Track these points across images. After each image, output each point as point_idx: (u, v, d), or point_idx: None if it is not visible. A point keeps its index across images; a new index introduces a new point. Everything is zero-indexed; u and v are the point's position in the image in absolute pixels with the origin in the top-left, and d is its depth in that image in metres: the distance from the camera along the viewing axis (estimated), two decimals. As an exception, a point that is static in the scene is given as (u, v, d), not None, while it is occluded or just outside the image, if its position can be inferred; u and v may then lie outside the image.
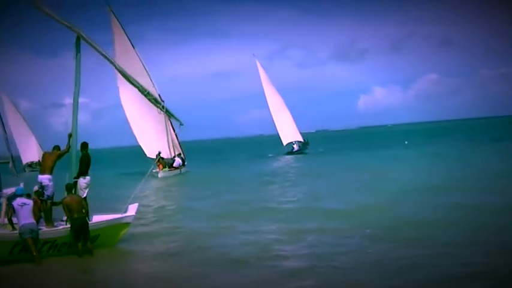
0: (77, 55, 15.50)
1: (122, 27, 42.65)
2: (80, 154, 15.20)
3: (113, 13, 42.30)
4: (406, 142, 76.87)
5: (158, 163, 42.31)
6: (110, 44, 42.19)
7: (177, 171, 43.07)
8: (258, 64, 66.70)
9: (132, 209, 15.50)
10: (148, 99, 18.07)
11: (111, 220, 15.17)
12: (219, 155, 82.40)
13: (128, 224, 15.31)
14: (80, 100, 15.65)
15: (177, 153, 45.21)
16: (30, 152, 73.44)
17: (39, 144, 75.15)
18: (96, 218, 15.10)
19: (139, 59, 43.20)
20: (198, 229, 17.25)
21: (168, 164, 43.48)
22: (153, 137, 44.43)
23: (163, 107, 17.03)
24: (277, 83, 70.28)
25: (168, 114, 17.16)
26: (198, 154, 76.26)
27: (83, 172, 15.09)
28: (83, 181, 15.04)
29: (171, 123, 44.99)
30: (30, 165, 72.49)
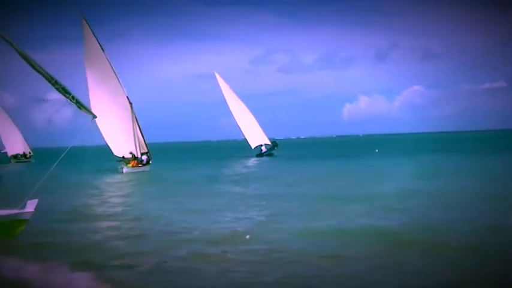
0: None
1: (93, 32, 45.41)
2: None
3: (84, 19, 45.23)
4: (376, 150, 79.96)
5: (130, 160, 45.94)
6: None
7: (140, 168, 45.93)
8: (218, 76, 70.37)
9: (30, 205, 14.28)
10: (56, 89, 16.32)
11: (5, 216, 14.11)
12: (190, 156, 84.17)
13: (24, 220, 14.26)
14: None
15: (143, 151, 47.75)
16: (16, 145, 77.70)
17: (24, 138, 79.51)
18: None
19: (109, 63, 46.29)
20: (103, 238, 16.49)
21: (138, 160, 46.54)
22: (120, 136, 46.80)
23: (73, 97, 17.74)
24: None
25: (79, 105, 17.58)
26: (170, 155, 78.95)
27: None
28: None
29: (137, 122, 47.94)
30: (16, 156, 76.81)
